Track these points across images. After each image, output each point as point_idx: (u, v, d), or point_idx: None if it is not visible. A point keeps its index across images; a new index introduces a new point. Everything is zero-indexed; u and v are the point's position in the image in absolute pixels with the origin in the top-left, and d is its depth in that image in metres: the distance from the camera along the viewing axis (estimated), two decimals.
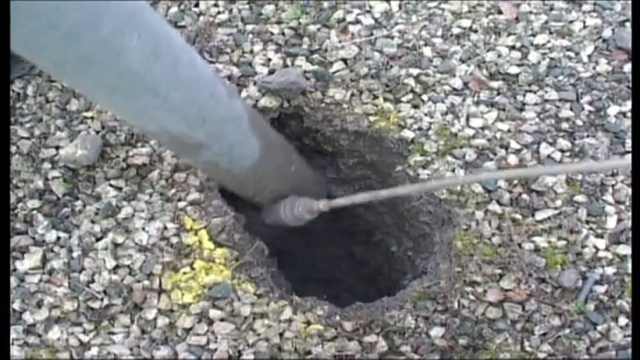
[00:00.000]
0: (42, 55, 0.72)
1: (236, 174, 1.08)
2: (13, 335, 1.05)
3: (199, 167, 1.12)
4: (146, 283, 1.09)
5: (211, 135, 0.95)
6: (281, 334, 1.05)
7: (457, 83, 1.28)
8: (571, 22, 1.36)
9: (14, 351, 1.03)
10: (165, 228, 1.14)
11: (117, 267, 1.10)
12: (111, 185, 1.19)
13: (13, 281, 1.09)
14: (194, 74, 0.87)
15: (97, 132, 1.24)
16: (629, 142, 1.19)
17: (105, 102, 0.89)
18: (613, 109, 1.24)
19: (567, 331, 1.04)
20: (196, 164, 1.09)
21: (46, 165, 1.21)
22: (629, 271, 1.07)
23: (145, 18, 0.77)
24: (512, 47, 1.32)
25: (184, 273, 1.10)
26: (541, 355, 1.02)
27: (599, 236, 1.11)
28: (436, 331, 1.05)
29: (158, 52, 0.78)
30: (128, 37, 0.72)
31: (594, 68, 1.29)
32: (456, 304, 1.07)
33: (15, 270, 1.10)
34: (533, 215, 1.14)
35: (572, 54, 1.31)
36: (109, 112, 1.08)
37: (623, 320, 1.04)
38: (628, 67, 1.28)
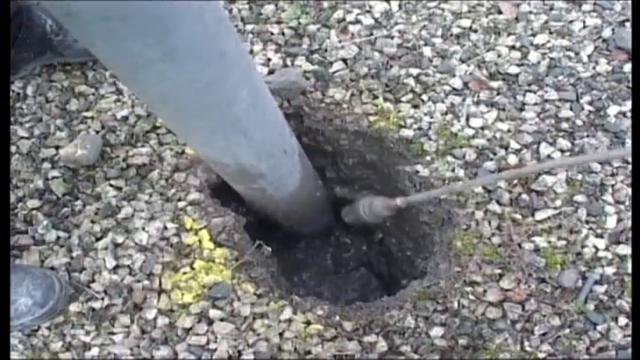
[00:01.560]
0: (171, 104, 0.80)
1: (277, 199, 1.19)
2: (13, 336, 1.05)
3: (246, 193, 1.20)
4: (146, 283, 1.09)
5: (271, 167, 1.07)
6: (281, 334, 1.05)
7: (457, 83, 1.28)
8: (571, 22, 1.36)
9: (15, 352, 1.03)
10: (165, 228, 1.14)
11: (117, 267, 1.10)
12: (111, 185, 1.19)
13: None
14: (274, 118, 1.03)
15: (97, 132, 1.24)
16: (629, 142, 1.19)
17: (198, 140, 0.97)
18: (613, 109, 1.24)
19: (567, 331, 1.04)
20: (245, 190, 1.18)
21: (46, 165, 1.21)
22: (629, 271, 1.07)
23: (253, 73, 0.90)
24: (512, 47, 1.32)
25: (184, 273, 1.10)
26: (541, 355, 1.02)
27: (599, 236, 1.11)
28: (436, 331, 1.05)
29: (256, 101, 0.91)
30: (240, 90, 0.84)
31: (594, 68, 1.30)
32: (455, 304, 1.07)
33: None
34: (533, 215, 1.14)
35: (572, 54, 1.31)
36: (196, 152, 1.16)
37: (623, 320, 1.04)
38: (628, 67, 1.28)
